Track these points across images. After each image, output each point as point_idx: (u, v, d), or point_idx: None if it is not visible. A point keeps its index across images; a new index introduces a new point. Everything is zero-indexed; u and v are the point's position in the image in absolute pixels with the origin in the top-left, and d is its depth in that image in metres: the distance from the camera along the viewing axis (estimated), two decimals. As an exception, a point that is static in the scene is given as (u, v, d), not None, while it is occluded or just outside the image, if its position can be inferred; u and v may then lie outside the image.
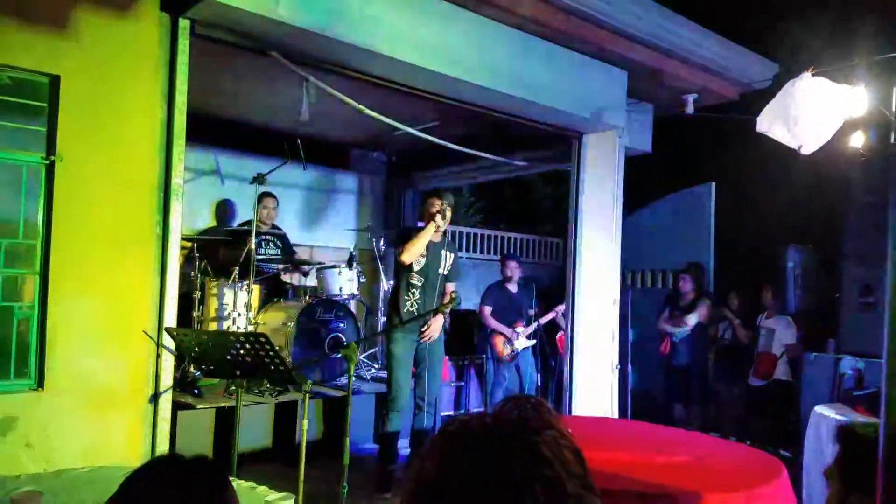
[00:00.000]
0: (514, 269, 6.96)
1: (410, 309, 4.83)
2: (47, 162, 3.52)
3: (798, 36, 7.20)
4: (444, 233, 4.99)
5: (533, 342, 6.93)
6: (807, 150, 4.28)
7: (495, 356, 6.91)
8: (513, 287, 6.97)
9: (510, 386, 6.91)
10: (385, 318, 5.14)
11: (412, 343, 4.87)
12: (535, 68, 5.08)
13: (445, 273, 4.96)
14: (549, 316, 6.96)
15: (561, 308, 6.74)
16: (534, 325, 6.91)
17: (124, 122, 3.70)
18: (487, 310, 6.89)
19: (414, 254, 4.78)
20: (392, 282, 5.70)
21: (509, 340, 6.80)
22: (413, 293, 4.86)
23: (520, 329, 6.81)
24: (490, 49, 4.81)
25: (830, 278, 7.03)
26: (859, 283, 6.15)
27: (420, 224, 4.99)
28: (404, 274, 4.88)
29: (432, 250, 4.88)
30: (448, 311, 4.96)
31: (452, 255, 5.03)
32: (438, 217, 4.75)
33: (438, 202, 4.81)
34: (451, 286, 4.98)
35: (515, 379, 6.97)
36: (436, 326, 4.87)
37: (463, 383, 7.27)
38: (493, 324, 6.84)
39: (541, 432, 0.85)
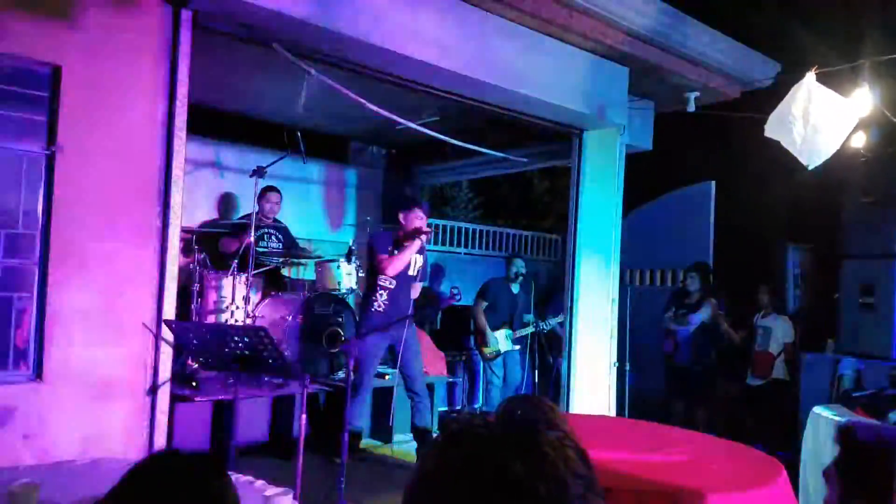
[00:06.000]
0: (521, 269, 6.92)
1: (378, 310, 4.96)
2: (48, 152, 3.51)
3: (801, 35, 7.18)
4: None
5: (517, 347, 6.86)
6: (812, 165, 4.28)
7: (482, 356, 6.88)
8: (515, 287, 6.92)
9: (501, 384, 6.86)
10: (358, 318, 5.26)
11: (380, 341, 4.99)
12: (536, 64, 5.06)
13: (414, 274, 5.12)
14: (544, 326, 6.83)
15: (556, 320, 6.66)
16: (526, 331, 6.80)
17: (125, 114, 3.68)
18: (483, 304, 6.84)
19: (399, 269, 4.88)
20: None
21: (486, 341, 6.75)
22: (381, 294, 4.96)
23: (504, 331, 6.75)
24: (492, 44, 4.80)
25: (830, 278, 7.02)
26: (859, 283, 6.15)
27: (389, 228, 5.09)
28: (376, 277, 5.00)
29: None
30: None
31: (422, 257, 5.12)
32: (424, 237, 4.86)
33: (423, 215, 4.91)
34: (418, 286, 5.18)
35: (509, 377, 6.90)
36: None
37: (458, 379, 7.26)
38: (479, 321, 6.80)
39: (544, 432, 0.85)
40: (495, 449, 0.82)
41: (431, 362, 6.33)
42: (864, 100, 4.40)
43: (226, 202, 7.18)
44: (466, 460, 0.82)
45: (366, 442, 5.70)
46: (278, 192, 6.44)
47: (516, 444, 0.83)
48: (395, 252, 4.91)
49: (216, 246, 6.08)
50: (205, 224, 6.78)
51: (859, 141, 5.68)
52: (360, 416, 5.00)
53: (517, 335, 6.76)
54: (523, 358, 6.93)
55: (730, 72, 5.91)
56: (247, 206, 6.69)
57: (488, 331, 6.73)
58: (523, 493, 0.79)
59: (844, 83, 4.47)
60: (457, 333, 7.55)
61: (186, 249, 5.61)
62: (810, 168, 4.30)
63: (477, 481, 0.80)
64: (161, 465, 1.24)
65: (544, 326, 6.76)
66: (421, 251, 5.11)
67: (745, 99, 6.18)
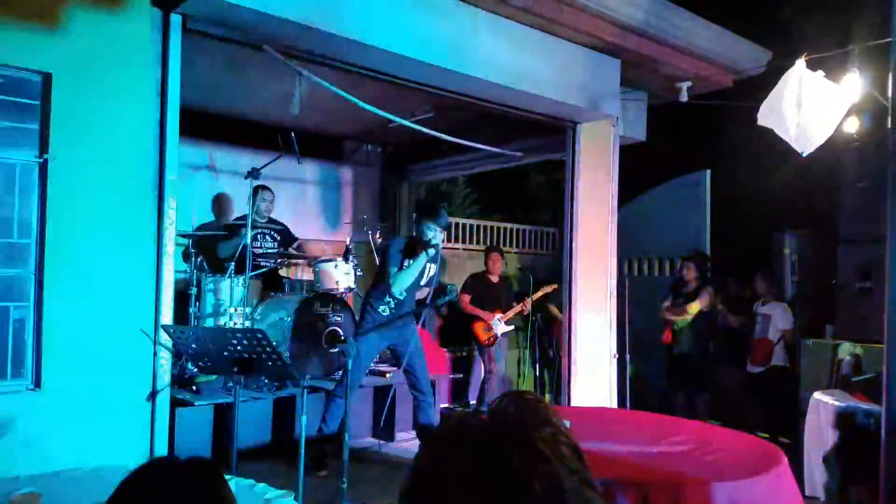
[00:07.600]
0: (496, 261, 7.23)
1: (384, 314, 4.88)
2: (40, 160, 3.50)
3: (791, 22, 7.17)
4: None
5: (511, 328, 7.11)
6: (806, 152, 4.28)
7: (478, 344, 7.03)
8: (494, 278, 7.16)
9: (501, 374, 7.04)
10: (360, 317, 5.13)
11: (380, 341, 4.95)
12: (528, 58, 5.06)
13: (425, 283, 5.04)
14: (538, 295, 7.04)
15: (548, 289, 6.86)
16: (513, 310, 6.99)
17: (117, 119, 3.68)
18: (466, 298, 7.08)
19: (404, 287, 4.80)
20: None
21: (488, 326, 6.94)
22: (390, 302, 4.90)
23: (499, 315, 6.90)
24: (483, 40, 4.80)
25: (827, 264, 7.03)
26: (856, 268, 6.14)
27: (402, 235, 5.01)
28: (387, 285, 4.87)
29: None
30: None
31: (435, 266, 5.06)
32: (431, 250, 4.75)
33: (435, 227, 4.75)
34: (426, 290, 5.07)
35: (508, 366, 7.13)
36: None
37: (460, 375, 7.31)
38: (472, 310, 7.01)
39: (538, 429, 0.85)
40: (489, 447, 0.82)
41: (433, 359, 6.33)
42: (854, 85, 4.41)
43: (220, 204, 7.17)
44: (461, 459, 0.82)
45: (368, 441, 5.71)
46: (270, 190, 6.44)
47: (510, 441, 0.82)
48: (406, 265, 4.78)
49: (213, 249, 6.06)
50: (200, 227, 6.76)
51: (852, 126, 5.68)
52: (338, 417, 4.85)
53: (507, 317, 7.00)
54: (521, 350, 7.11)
55: (721, 61, 5.90)
56: (241, 207, 6.69)
57: (482, 314, 6.99)
58: (519, 491, 0.79)
59: (835, 69, 4.47)
60: (460, 329, 7.59)
61: (183, 253, 5.61)
62: (804, 155, 4.30)
63: (472, 480, 0.80)
64: (157, 473, 1.23)
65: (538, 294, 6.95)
66: (434, 259, 5.00)
67: (739, 88, 6.18)
